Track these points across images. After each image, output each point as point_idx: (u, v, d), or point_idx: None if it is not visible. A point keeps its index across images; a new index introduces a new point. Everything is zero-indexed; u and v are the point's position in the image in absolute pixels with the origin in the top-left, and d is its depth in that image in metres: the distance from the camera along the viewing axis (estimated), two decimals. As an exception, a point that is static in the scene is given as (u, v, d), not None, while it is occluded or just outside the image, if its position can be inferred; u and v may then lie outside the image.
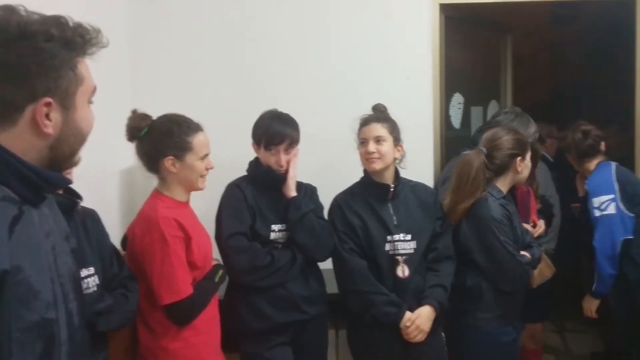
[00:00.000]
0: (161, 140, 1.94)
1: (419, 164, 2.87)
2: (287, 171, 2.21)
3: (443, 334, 2.31)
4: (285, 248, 2.23)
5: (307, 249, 2.22)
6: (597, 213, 2.63)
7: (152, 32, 2.87)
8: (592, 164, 2.77)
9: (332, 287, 2.34)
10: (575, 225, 4.10)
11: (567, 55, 5.39)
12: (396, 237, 2.19)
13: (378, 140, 2.18)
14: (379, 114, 2.27)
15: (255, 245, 2.17)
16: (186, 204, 2.05)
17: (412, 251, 2.19)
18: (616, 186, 2.62)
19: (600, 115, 4.11)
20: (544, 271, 2.44)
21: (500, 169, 2.28)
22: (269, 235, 2.20)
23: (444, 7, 2.98)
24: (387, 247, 2.18)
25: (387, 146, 2.18)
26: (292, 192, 2.22)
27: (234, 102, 2.86)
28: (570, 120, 5.19)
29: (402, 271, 2.17)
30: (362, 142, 2.22)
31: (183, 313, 1.92)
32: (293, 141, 2.21)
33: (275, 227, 2.21)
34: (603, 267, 2.65)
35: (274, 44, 2.91)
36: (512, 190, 2.51)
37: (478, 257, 2.24)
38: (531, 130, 2.60)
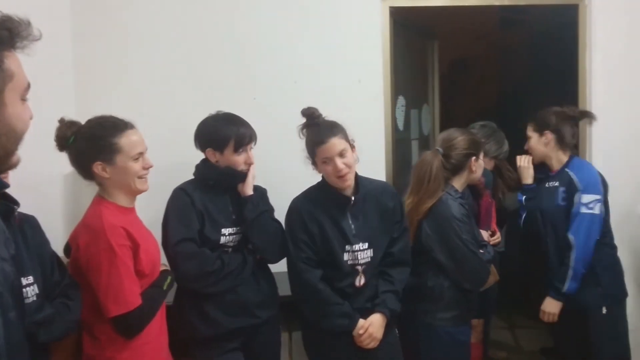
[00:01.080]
0: (86, 146, 1.86)
1: (372, 165, 2.90)
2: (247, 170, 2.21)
3: (397, 331, 2.32)
4: (235, 252, 2.20)
5: (261, 249, 2.21)
6: (583, 210, 2.57)
7: (96, 34, 2.80)
8: (567, 155, 2.73)
9: (284, 289, 2.32)
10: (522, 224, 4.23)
11: (515, 59, 5.54)
12: (355, 247, 2.16)
13: (342, 154, 2.09)
14: (330, 126, 2.14)
15: (204, 250, 2.13)
16: (131, 209, 1.97)
17: (369, 259, 2.18)
18: (601, 187, 2.63)
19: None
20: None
21: (456, 169, 2.32)
22: (219, 239, 2.17)
23: (393, 11, 3.01)
24: (346, 257, 2.15)
25: (349, 156, 2.12)
26: (250, 191, 2.20)
27: (180, 104, 2.82)
28: (515, 123, 5.34)
29: (359, 280, 2.17)
30: (325, 161, 2.11)
31: (131, 325, 1.85)
32: (255, 139, 2.22)
33: (225, 230, 2.18)
34: (581, 265, 2.56)
35: (221, 44, 2.89)
36: (477, 199, 2.57)
37: (440, 256, 2.26)
38: (505, 147, 2.65)
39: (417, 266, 2.31)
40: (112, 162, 1.87)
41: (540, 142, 2.73)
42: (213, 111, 2.27)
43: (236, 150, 2.17)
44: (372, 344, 2.15)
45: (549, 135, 2.70)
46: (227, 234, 2.18)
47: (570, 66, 3.22)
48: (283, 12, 2.92)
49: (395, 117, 3.20)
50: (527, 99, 5.16)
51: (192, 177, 2.24)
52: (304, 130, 2.19)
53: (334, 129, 2.12)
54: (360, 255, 2.16)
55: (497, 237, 2.67)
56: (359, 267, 2.16)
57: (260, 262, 2.26)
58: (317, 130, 2.14)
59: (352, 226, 2.16)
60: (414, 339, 2.32)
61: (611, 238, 2.72)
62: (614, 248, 2.73)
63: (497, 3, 3.08)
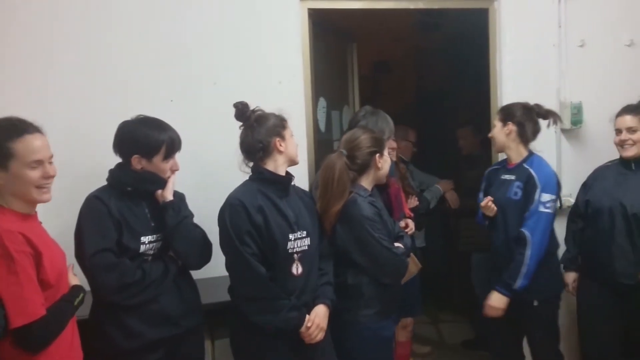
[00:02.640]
0: None
1: (294, 166, 2.90)
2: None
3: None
4: (155, 260, 2.13)
5: (184, 256, 2.15)
6: (541, 208, 2.60)
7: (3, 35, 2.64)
8: (527, 150, 2.77)
9: (206, 297, 2.27)
10: (445, 220, 4.38)
11: (433, 61, 5.72)
12: (297, 234, 2.17)
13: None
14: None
15: (123, 260, 2.04)
16: (33, 216, 1.82)
17: (306, 248, 2.20)
18: (557, 188, 2.69)
19: (460, 117, 4.42)
20: (410, 268, 2.54)
21: (362, 168, 2.35)
22: (139, 248, 2.08)
23: (312, 13, 3.03)
24: (289, 245, 2.15)
25: None
26: (170, 196, 2.14)
27: (93, 108, 2.70)
28: (434, 122, 5.52)
29: (297, 268, 2.17)
30: (292, 135, 2.25)
31: (35, 337, 1.70)
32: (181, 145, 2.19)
33: (144, 238, 2.10)
34: (535, 263, 2.58)
35: (135, 45, 2.79)
36: (385, 187, 2.61)
37: (357, 256, 2.29)
38: (391, 124, 2.71)
39: (336, 267, 2.33)
40: (5, 167, 1.71)
41: (502, 132, 2.76)
42: (127, 116, 2.18)
43: (166, 157, 2.12)
44: (320, 336, 2.17)
45: (511, 127, 2.72)
46: (146, 242, 2.10)
47: (484, 68, 3.36)
48: (200, 12, 2.86)
49: (317, 118, 3.22)
50: (445, 99, 5.36)
51: (105, 182, 2.15)
52: (256, 116, 2.20)
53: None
54: (299, 243, 2.18)
55: (411, 229, 2.72)
56: (296, 255, 2.17)
57: (182, 270, 2.19)
58: (278, 115, 2.25)
59: (292, 214, 2.18)
60: (339, 338, 2.34)
61: (554, 235, 2.77)
62: (554, 245, 2.79)
63: (411, 6, 3.16)
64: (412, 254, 2.59)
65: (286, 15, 2.98)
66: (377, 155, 2.36)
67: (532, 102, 3.19)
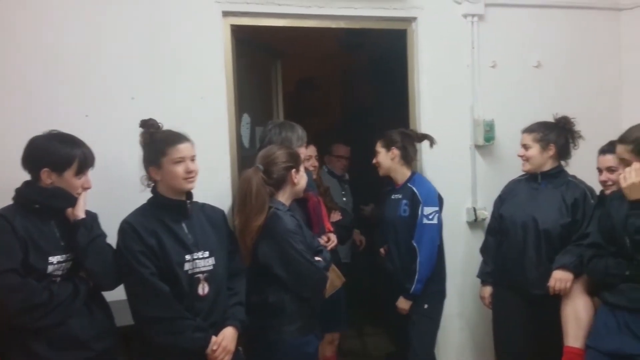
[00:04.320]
0: None
1: (216, 182, 2.88)
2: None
3: (240, 349, 2.30)
4: (64, 281, 2.04)
5: (97, 276, 2.08)
6: (425, 221, 2.90)
7: None
8: (409, 170, 3.06)
9: (121, 319, 2.19)
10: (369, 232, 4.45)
11: (357, 79, 5.85)
12: (195, 255, 2.14)
13: (193, 159, 2.17)
14: (178, 134, 2.18)
15: (29, 281, 1.94)
16: None
17: (211, 267, 2.17)
18: (438, 200, 2.97)
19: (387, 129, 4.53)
20: (334, 281, 2.57)
21: (279, 183, 2.37)
22: (46, 268, 1.99)
23: (235, 29, 3.03)
24: (187, 266, 2.12)
25: (197, 164, 2.19)
26: (82, 214, 2.07)
27: (5, 125, 2.59)
28: (359, 140, 5.62)
29: (203, 289, 2.14)
30: (178, 161, 2.12)
31: None
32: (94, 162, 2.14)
33: (53, 258, 2.01)
34: (425, 269, 2.89)
35: (49, 57, 2.69)
36: (304, 201, 2.63)
37: (278, 270, 2.28)
38: (299, 132, 2.74)
39: (258, 284, 2.33)
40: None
41: (387, 157, 3.05)
42: (39, 131, 2.09)
43: (78, 173, 2.05)
44: (226, 359, 2.15)
45: (395, 151, 3.02)
46: (55, 262, 2.01)
47: (405, 87, 3.47)
48: (119, 25, 2.80)
49: (241, 134, 3.20)
50: (369, 117, 5.48)
51: (12, 201, 2.04)
52: (149, 134, 2.15)
53: (185, 135, 2.19)
54: (200, 263, 2.15)
55: (332, 242, 2.78)
56: (200, 275, 2.14)
57: (93, 291, 2.11)
58: (171, 133, 2.17)
59: (189, 235, 2.15)
60: (264, 356, 2.32)
61: (441, 242, 3.03)
62: (442, 251, 3.06)
63: (333, 25, 3.22)
64: (335, 268, 2.62)
65: (209, 30, 2.96)
66: (293, 170, 2.38)
67: (448, 120, 3.36)
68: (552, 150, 2.84)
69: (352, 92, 6.15)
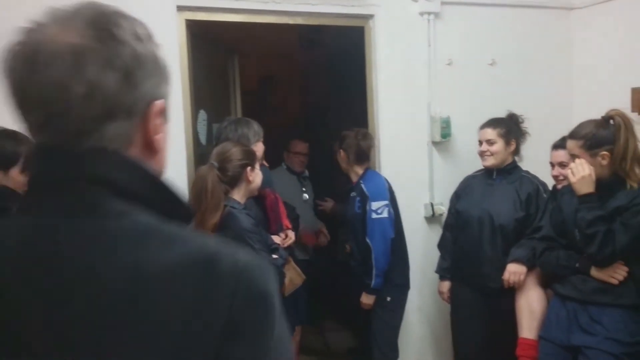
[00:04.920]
0: None
1: (173, 180, 2.81)
2: None
3: None
4: None
5: None
6: (374, 215, 2.93)
7: None
8: (362, 168, 3.10)
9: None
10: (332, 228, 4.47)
11: (317, 76, 5.84)
12: None
13: None
14: None
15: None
16: None
17: None
18: (387, 194, 2.99)
19: (344, 129, 4.54)
20: (294, 279, 2.56)
21: (233, 181, 2.34)
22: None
23: (190, 24, 2.98)
24: None
25: None
26: None
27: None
28: (319, 137, 5.63)
29: None
30: None
31: None
32: None
33: None
34: (381, 263, 2.94)
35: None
36: (262, 199, 2.60)
37: None
38: (255, 127, 2.71)
39: None
40: None
41: (342, 158, 3.12)
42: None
43: (24, 169, 1.97)
44: None
45: (343, 153, 3.11)
46: None
47: (363, 84, 3.48)
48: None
49: (197, 131, 3.15)
50: (328, 114, 5.49)
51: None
52: None
53: None
54: None
55: (290, 239, 2.76)
56: None
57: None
58: None
59: None
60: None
61: (401, 235, 3.09)
62: (403, 244, 3.11)
63: (290, 21, 3.21)
64: (295, 266, 2.61)
65: (163, 25, 2.88)
66: (249, 168, 2.36)
67: (406, 116, 3.39)
68: (513, 146, 2.90)
69: (312, 89, 6.14)
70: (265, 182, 2.50)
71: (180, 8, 2.93)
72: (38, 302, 0.66)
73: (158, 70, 0.77)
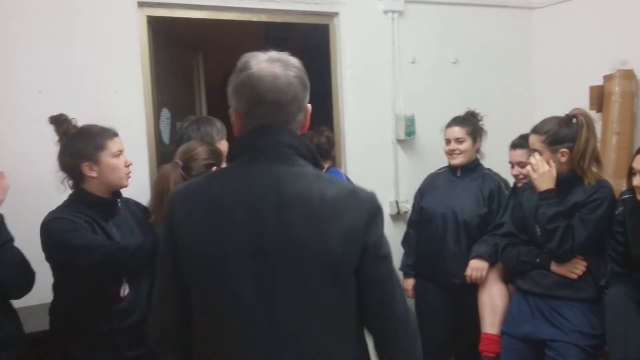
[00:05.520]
0: None
1: (136, 179, 2.75)
2: None
3: None
4: None
5: (4, 283, 1.93)
6: None
7: None
8: (326, 166, 3.05)
9: (29, 325, 2.07)
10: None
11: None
12: None
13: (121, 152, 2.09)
14: (110, 127, 2.09)
15: None
16: None
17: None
18: None
19: (312, 124, 4.53)
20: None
21: None
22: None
23: (151, 21, 2.93)
24: None
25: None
26: None
27: None
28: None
29: (124, 290, 2.03)
30: (117, 154, 2.04)
31: None
32: None
33: None
34: None
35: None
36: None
37: None
38: (218, 125, 2.67)
39: None
40: None
41: None
42: None
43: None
44: None
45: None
46: None
47: (329, 82, 3.47)
48: (28, 12, 2.63)
49: (160, 130, 3.10)
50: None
51: None
52: (77, 129, 2.04)
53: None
54: None
55: None
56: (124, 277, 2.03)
57: (-2, 299, 1.99)
58: (103, 127, 2.07)
59: (117, 234, 2.05)
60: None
61: None
62: None
63: (254, 19, 3.18)
64: None
65: (123, 22, 2.84)
66: (214, 168, 2.32)
67: (371, 114, 3.41)
68: (478, 144, 2.93)
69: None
70: None
71: (141, 4, 2.88)
72: (271, 212, 1.22)
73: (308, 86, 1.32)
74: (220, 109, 4.44)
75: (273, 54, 1.29)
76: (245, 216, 1.22)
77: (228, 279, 1.22)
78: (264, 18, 3.22)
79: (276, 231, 1.21)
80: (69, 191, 2.06)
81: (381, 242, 1.28)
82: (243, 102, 1.26)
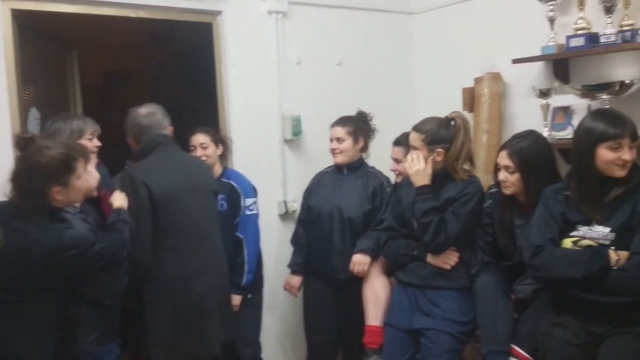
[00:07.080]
0: None
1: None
2: None
3: None
4: None
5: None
6: (247, 212, 2.99)
7: None
8: (222, 167, 3.09)
9: None
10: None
11: (167, 73, 5.65)
12: None
13: None
14: None
15: None
16: None
17: None
18: (254, 193, 3.07)
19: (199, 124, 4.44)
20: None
21: None
22: None
23: (17, 14, 2.71)
24: None
25: None
26: None
27: None
28: (174, 133, 5.44)
29: None
30: None
31: None
32: None
33: None
34: (254, 259, 2.98)
35: None
36: (97, 200, 2.43)
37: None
38: (75, 123, 2.52)
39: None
40: None
41: (214, 153, 3.08)
42: None
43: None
44: None
45: (221, 148, 3.09)
46: None
47: (215, 81, 3.41)
48: None
49: (28, 131, 2.88)
50: (182, 111, 5.31)
51: None
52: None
53: None
54: None
55: None
56: None
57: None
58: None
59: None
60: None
61: None
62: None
63: (132, 14, 3.04)
64: None
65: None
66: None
67: (258, 114, 3.40)
68: (361, 143, 3.01)
69: (164, 86, 5.92)
70: (102, 183, 2.35)
71: (5, -4, 2.66)
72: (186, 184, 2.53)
73: None
74: (104, 109, 4.21)
75: None
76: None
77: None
78: (142, 14, 3.10)
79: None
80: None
81: None
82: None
